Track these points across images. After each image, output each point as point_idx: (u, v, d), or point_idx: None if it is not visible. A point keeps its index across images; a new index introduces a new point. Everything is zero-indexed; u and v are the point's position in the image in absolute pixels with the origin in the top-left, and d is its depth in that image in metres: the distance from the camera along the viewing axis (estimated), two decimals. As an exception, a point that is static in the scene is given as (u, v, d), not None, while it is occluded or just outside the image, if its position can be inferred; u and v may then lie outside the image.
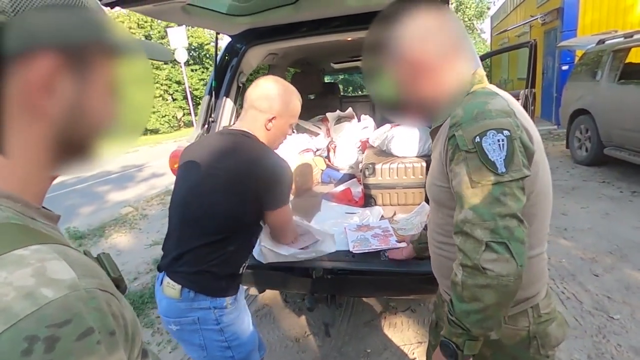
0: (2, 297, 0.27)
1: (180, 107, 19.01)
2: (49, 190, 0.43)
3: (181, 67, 13.04)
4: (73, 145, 0.40)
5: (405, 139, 2.11)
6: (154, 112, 19.13)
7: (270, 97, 1.19)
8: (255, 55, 2.21)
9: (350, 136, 2.57)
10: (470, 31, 21.93)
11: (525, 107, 3.75)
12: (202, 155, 1.18)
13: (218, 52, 2.11)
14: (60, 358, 0.28)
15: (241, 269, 1.20)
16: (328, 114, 2.63)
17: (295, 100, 1.25)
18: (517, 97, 3.75)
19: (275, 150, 1.24)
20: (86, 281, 0.32)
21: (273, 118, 1.19)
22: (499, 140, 0.72)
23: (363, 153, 2.45)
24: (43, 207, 0.41)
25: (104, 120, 0.42)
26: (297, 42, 2.11)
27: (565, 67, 7.41)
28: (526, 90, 3.77)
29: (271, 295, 2.67)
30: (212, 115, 2.05)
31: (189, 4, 1.45)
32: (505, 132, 0.72)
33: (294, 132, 1.34)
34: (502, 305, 0.74)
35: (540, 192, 0.81)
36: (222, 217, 1.11)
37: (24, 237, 0.32)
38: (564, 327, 0.93)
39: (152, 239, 4.02)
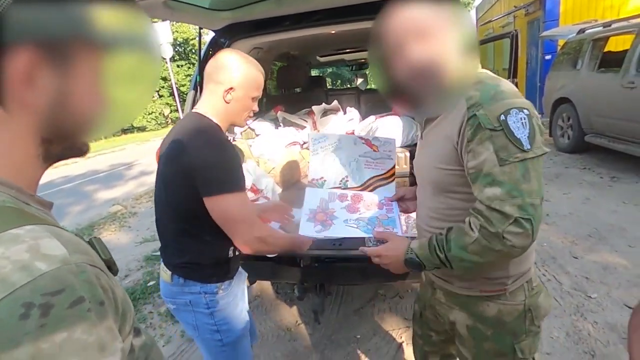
0: (1, 269, 0.31)
1: (167, 103, 18.79)
2: (36, 190, 0.45)
3: (167, 63, 12.86)
4: (61, 135, 0.43)
5: (389, 129, 2.15)
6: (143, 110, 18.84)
7: (227, 67, 1.12)
8: (239, 49, 2.22)
9: (336, 129, 2.60)
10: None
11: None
12: (164, 146, 1.14)
13: (202, 47, 2.11)
14: (55, 323, 0.31)
15: (228, 255, 1.18)
16: (314, 107, 2.66)
17: (255, 71, 1.16)
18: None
19: (242, 127, 1.21)
20: (76, 257, 0.36)
21: (231, 89, 1.13)
22: (521, 119, 0.76)
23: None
24: (37, 195, 0.44)
25: (91, 113, 0.43)
26: (281, 35, 2.13)
27: (548, 57, 7.54)
28: (509, 79, 3.87)
29: (262, 286, 2.71)
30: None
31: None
32: (525, 111, 0.77)
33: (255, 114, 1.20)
34: (491, 263, 0.82)
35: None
36: (180, 207, 1.09)
37: (18, 219, 0.35)
38: (549, 298, 1.00)
39: (142, 237, 4.02)
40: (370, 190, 1.30)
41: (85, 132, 0.45)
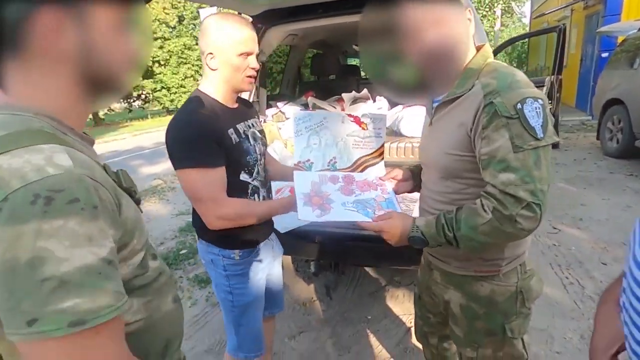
0: (23, 168, 0.43)
1: (210, 87, 19.34)
2: (82, 126, 0.59)
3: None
4: (98, 79, 0.54)
5: (414, 120, 2.18)
6: (184, 92, 19.64)
7: (204, 33, 1.11)
8: (274, 36, 2.32)
9: (381, 113, 2.65)
10: (509, 15, 20.83)
11: (550, 94, 3.69)
12: None
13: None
14: (54, 211, 0.42)
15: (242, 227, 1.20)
16: (344, 95, 2.72)
17: (231, 28, 1.09)
18: (542, 84, 3.69)
19: (246, 91, 1.18)
20: (79, 169, 0.47)
21: (210, 54, 1.11)
22: (536, 108, 0.79)
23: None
24: (84, 133, 0.57)
25: (118, 58, 0.55)
26: (315, 22, 2.19)
27: (605, 55, 7.03)
28: (552, 77, 3.70)
29: (284, 264, 2.85)
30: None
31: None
32: (540, 101, 0.80)
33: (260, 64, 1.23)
34: (498, 244, 0.88)
35: None
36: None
37: (47, 139, 0.47)
38: (541, 283, 1.04)
39: (178, 209, 4.31)
40: (361, 171, 1.27)
41: (119, 77, 0.56)
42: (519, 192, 0.78)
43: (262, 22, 2.21)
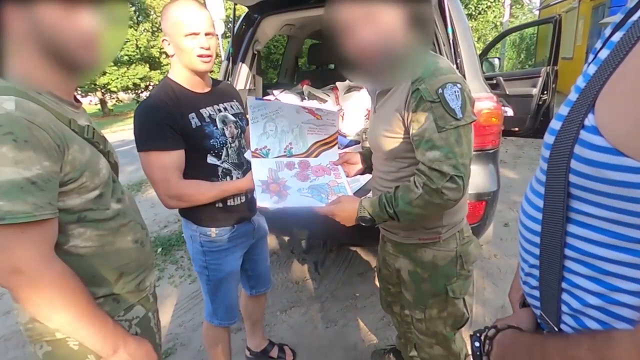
0: None
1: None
2: (71, 95, 0.80)
3: (218, 39, 13.32)
4: (64, 62, 0.71)
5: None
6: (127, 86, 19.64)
7: (162, 21, 1.18)
8: (270, 25, 2.42)
9: (358, 105, 2.74)
10: (520, 6, 20.48)
11: (546, 84, 3.74)
12: None
13: (236, 22, 2.34)
14: None
15: (216, 204, 1.29)
16: (338, 83, 2.81)
17: (173, 10, 1.14)
18: (537, 75, 3.74)
19: (203, 70, 1.21)
20: (19, 113, 0.64)
21: (165, 40, 1.17)
22: (455, 92, 0.90)
23: (368, 120, 2.63)
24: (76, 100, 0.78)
25: (71, 36, 0.70)
26: (311, 12, 2.28)
27: (610, 46, 6.96)
28: (547, 67, 3.74)
29: (281, 245, 2.99)
30: (229, 79, 2.31)
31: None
32: (459, 85, 0.91)
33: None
34: (430, 215, 0.99)
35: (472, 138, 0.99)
36: None
37: (8, 92, 0.66)
38: (479, 248, 1.15)
39: (182, 195, 4.46)
40: (315, 156, 1.32)
41: (73, 50, 0.71)
42: (443, 167, 0.89)
43: (258, 12, 2.31)
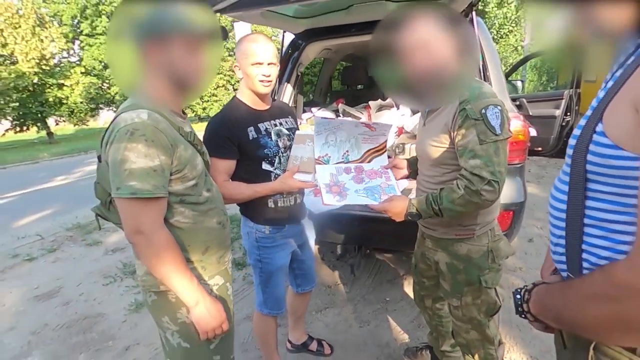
0: (127, 118, 0.92)
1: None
2: (180, 109, 1.09)
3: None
4: (179, 84, 0.97)
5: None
6: (216, 101, 20.59)
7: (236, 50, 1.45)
8: (312, 50, 2.69)
9: (389, 122, 2.96)
10: (540, 29, 20.63)
11: (569, 106, 3.87)
12: None
13: (283, 47, 2.62)
14: (133, 139, 0.90)
15: (268, 204, 1.50)
16: (370, 102, 3.03)
17: (242, 43, 1.40)
18: (560, 97, 3.88)
19: (262, 92, 1.43)
20: (150, 121, 0.93)
21: (236, 66, 1.44)
22: (495, 112, 1.10)
23: (399, 137, 2.83)
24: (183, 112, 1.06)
25: (190, 69, 0.96)
26: (347, 40, 2.54)
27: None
28: (570, 90, 3.89)
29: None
30: (275, 97, 2.57)
31: (267, 10, 1.95)
32: (499, 107, 1.11)
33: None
34: (469, 213, 1.17)
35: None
36: None
37: (142, 108, 0.95)
38: (509, 246, 1.31)
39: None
40: (368, 162, 1.52)
41: (192, 86, 0.99)
42: (482, 173, 1.08)
43: (303, 39, 2.58)
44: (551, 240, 0.73)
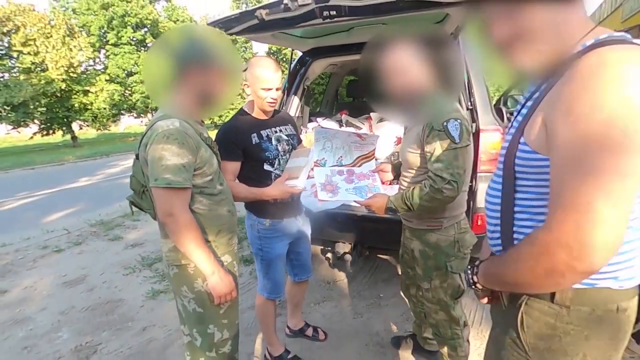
0: (164, 125, 1.20)
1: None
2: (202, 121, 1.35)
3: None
4: (205, 101, 1.24)
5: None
6: (232, 109, 21.15)
7: (247, 68, 1.62)
8: (319, 66, 2.96)
9: (388, 132, 3.19)
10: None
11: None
12: None
13: (292, 62, 2.90)
14: (169, 141, 1.17)
15: (269, 200, 1.67)
16: (372, 114, 3.28)
17: (255, 68, 1.60)
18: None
19: (268, 111, 1.68)
20: (181, 128, 1.21)
21: (246, 84, 1.63)
22: (455, 125, 1.32)
23: (397, 145, 3.06)
24: (201, 122, 1.32)
25: (217, 92, 1.26)
26: (350, 57, 2.81)
27: None
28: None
29: (313, 252, 3.40)
30: (283, 108, 2.84)
31: (278, 32, 2.23)
32: (458, 120, 1.33)
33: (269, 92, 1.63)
34: (436, 208, 1.40)
35: (470, 156, 1.41)
36: None
37: (173, 117, 1.23)
38: (474, 237, 1.52)
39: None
40: (359, 166, 1.82)
41: (216, 102, 1.26)
42: (443, 174, 1.31)
43: (310, 55, 2.86)
44: (488, 229, 0.91)
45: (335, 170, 1.79)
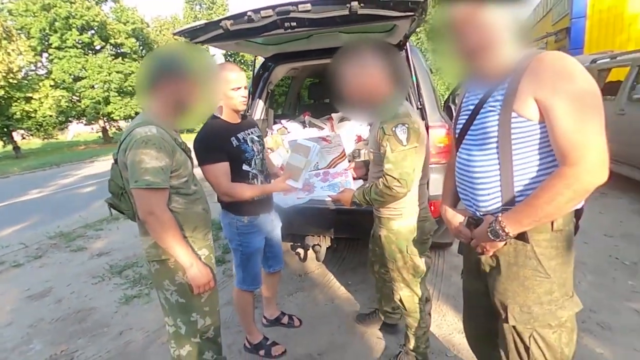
0: (142, 132, 1.31)
1: (215, 108, 20.38)
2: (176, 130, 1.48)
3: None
4: (180, 110, 1.37)
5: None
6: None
7: None
8: (281, 70, 3.11)
9: (349, 131, 3.41)
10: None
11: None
12: None
13: (254, 68, 3.04)
14: (147, 146, 1.29)
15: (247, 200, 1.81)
16: (333, 114, 3.48)
17: (224, 72, 1.72)
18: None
19: (242, 109, 1.82)
20: (158, 134, 1.32)
21: None
22: (403, 129, 1.52)
23: (357, 143, 3.29)
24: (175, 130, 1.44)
25: (191, 103, 1.37)
26: (310, 62, 2.99)
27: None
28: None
29: (286, 247, 3.54)
30: (249, 112, 2.97)
31: (242, 40, 2.37)
32: (406, 125, 1.52)
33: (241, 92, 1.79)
34: (387, 202, 1.61)
35: (419, 156, 1.61)
36: None
37: (151, 124, 1.33)
38: (434, 224, 1.77)
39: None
40: (333, 167, 2.06)
41: (190, 111, 1.39)
42: (393, 173, 1.51)
43: (272, 61, 3.01)
44: (478, 196, 1.11)
45: (312, 174, 2.05)
